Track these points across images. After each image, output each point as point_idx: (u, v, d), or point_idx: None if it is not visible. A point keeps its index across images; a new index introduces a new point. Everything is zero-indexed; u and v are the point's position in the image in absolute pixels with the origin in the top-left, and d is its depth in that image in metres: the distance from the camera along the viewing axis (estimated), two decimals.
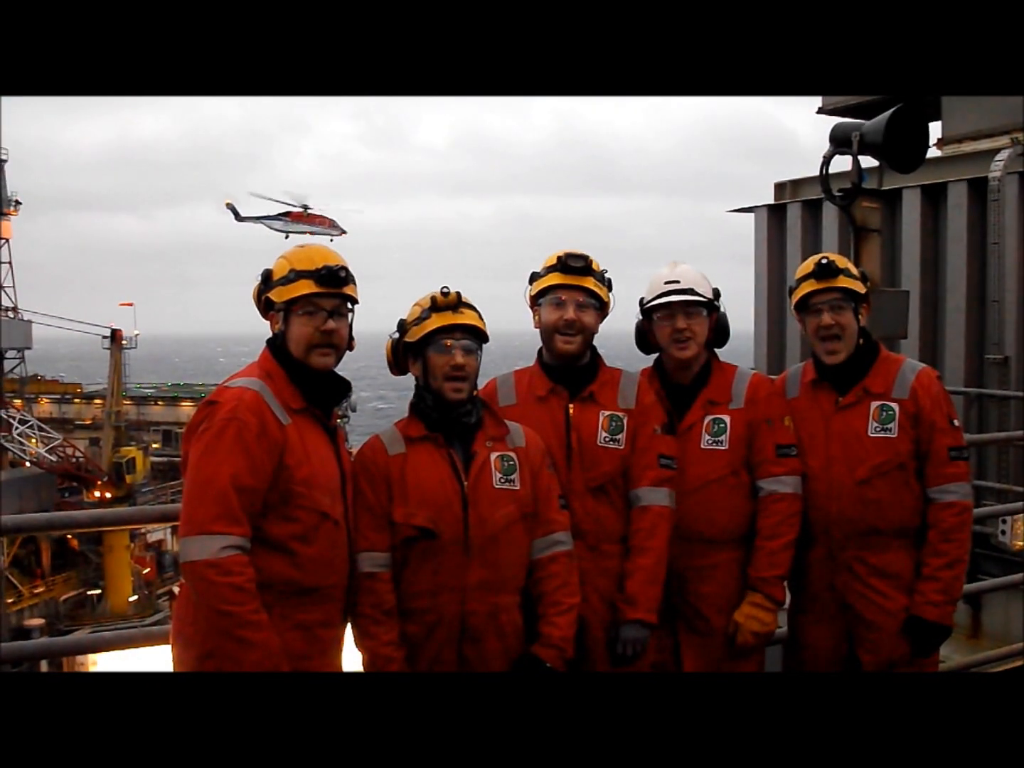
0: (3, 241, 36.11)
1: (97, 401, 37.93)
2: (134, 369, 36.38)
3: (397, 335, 2.97)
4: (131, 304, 38.90)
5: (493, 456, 2.90)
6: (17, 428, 31.61)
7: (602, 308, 3.19)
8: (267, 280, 2.72)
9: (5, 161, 34.58)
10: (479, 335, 2.92)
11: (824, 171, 5.48)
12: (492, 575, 2.84)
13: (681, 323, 3.24)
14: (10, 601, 26.71)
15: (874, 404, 3.26)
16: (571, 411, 3.14)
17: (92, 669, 12.81)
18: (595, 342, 3.22)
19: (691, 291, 3.24)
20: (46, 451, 31.26)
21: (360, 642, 2.83)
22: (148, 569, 31.03)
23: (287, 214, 52.97)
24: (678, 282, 3.26)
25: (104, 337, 33.27)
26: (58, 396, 40.82)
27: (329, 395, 2.77)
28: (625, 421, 3.14)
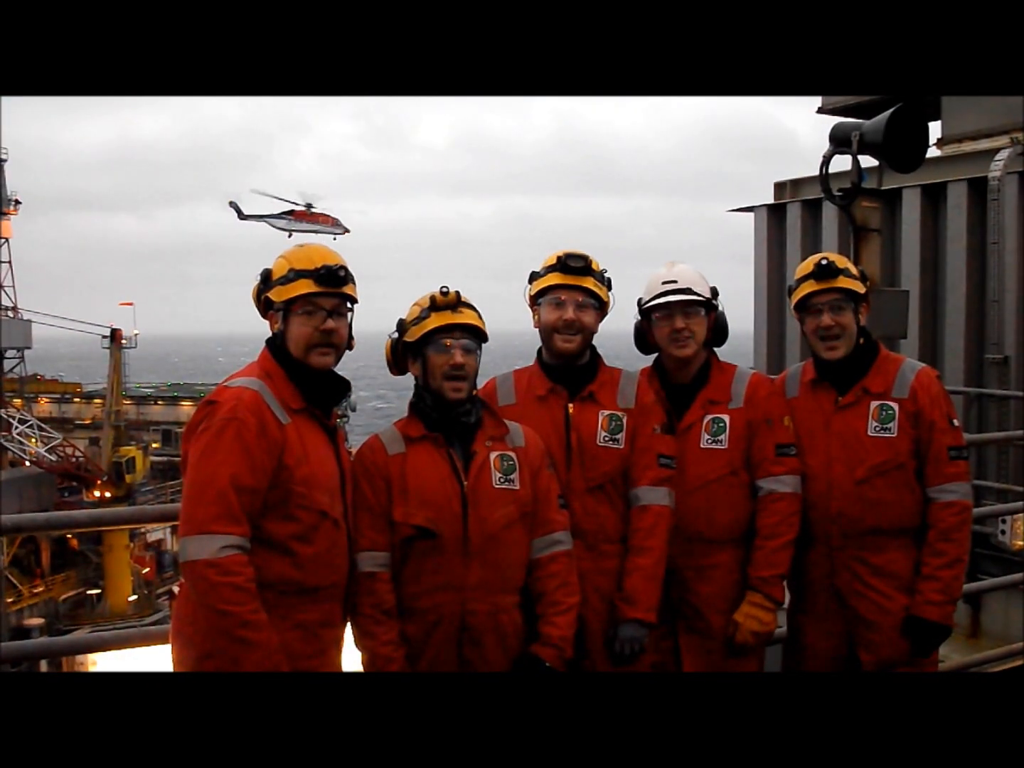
0: (3, 240, 36.16)
1: (97, 401, 37.94)
2: (134, 369, 36.39)
3: (396, 335, 2.97)
4: (131, 304, 39.01)
5: (493, 456, 2.90)
6: (17, 428, 31.62)
7: (602, 308, 3.19)
8: (266, 280, 2.72)
9: (5, 161, 34.60)
10: (478, 335, 2.92)
11: (824, 171, 5.48)
12: (492, 575, 2.83)
13: (679, 323, 3.24)
14: (10, 601, 26.69)
15: (874, 404, 3.26)
16: (571, 411, 3.14)
17: (91, 669, 12.81)
18: (595, 342, 3.21)
19: (689, 290, 3.24)
20: (46, 451, 31.27)
21: (360, 642, 2.83)
22: (148, 569, 31.05)
23: (290, 212, 52.85)
24: (676, 282, 3.26)
25: (104, 337, 33.27)
26: (58, 396, 40.85)
27: (328, 395, 2.77)
28: (625, 421, 3.14)
